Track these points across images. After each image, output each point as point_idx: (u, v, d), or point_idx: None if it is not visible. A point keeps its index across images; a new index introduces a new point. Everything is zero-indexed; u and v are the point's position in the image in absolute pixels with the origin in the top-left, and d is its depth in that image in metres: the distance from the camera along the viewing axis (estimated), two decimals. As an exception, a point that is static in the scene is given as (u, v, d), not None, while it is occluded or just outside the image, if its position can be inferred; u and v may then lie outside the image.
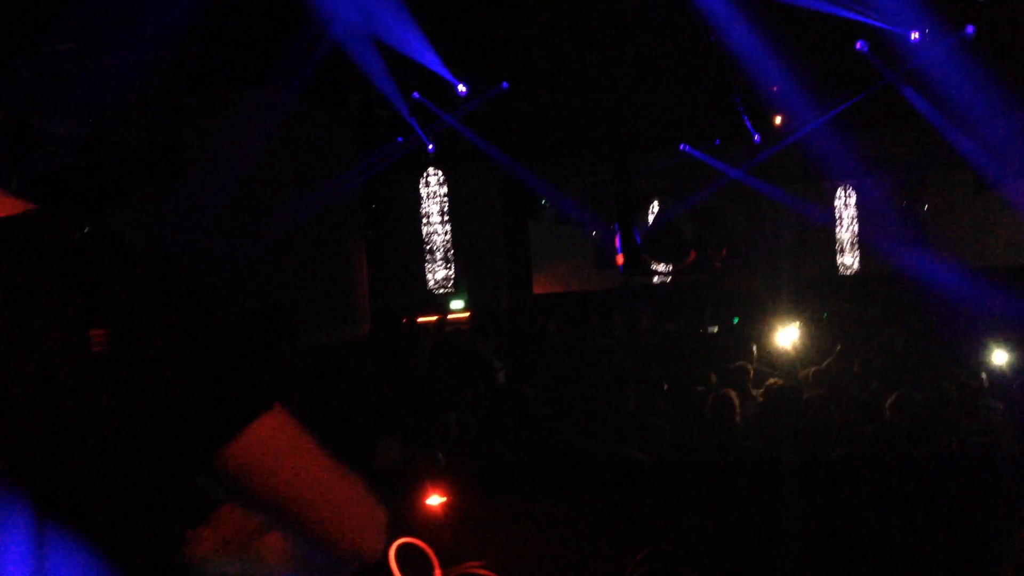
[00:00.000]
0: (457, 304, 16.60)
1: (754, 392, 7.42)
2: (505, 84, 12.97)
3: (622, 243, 18.01)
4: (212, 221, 9.02)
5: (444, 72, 11.65)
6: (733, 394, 6.62)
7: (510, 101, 13.47)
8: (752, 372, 8.11)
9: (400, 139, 14.31)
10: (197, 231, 9.09)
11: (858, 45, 11.71)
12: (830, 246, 18.42)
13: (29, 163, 9.82)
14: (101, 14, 8.87)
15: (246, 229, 8.97)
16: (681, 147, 16.12)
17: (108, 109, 10.72)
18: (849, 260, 18.48)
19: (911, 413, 6.05)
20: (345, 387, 8.80)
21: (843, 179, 17.75)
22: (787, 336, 10.04)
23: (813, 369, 8.50)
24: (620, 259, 18.08)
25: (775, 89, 12.92)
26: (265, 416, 1.23)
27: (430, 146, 14.86)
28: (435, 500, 2.26)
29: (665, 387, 7.53)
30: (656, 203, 19.33)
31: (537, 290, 17.89)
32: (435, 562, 2.24)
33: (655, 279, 18.92)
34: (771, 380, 7.26)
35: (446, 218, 17.34)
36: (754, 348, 9.98)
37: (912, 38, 11.02)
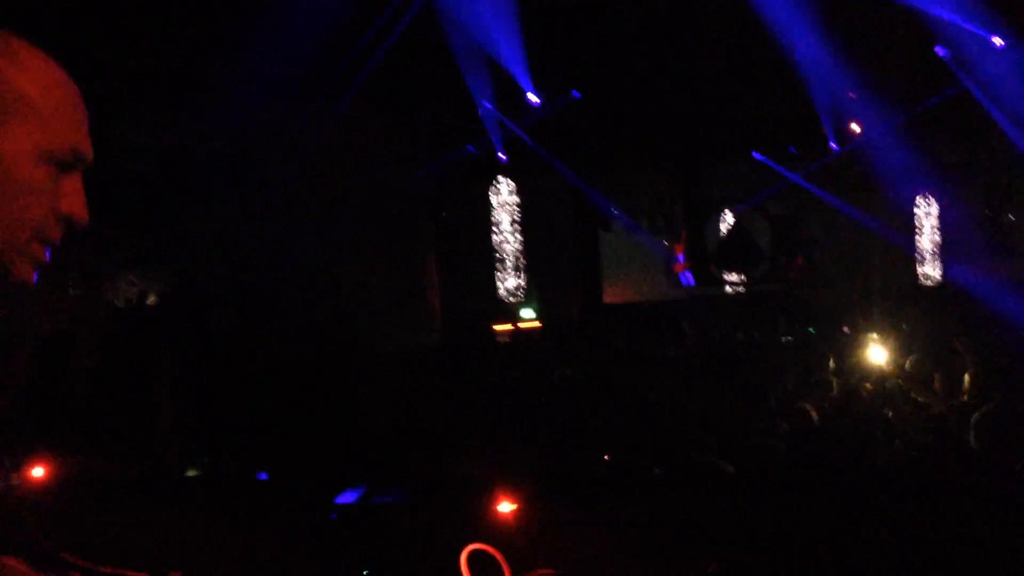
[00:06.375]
0: (528, 313, 16.59)
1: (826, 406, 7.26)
2: (576, 93, 12.82)
3: (688, 252, 17.77)
4: (285, 230, 9.17)
5: (522, 80, 11.54)
6: (809, 407, 6.51)
7: (580, 110, 13.36)
8: (835, 385, 7.97)
9: (471, 148, 14.30)
10: (271, 240, 9.26)
11: (938, 50, 11.37)
12: (910, 255, 17.91)
13: (111, 173, 10.10)
14: (180, 31, 9.12)
15: (317, 238, 9.10)
16: (754, 155, 15.87)
17: (190, 121, 11.00)
18: (930, 270, 17.96)
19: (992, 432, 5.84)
20: (417, 398, 8.86)
21: (922, 188, 17.28)
22: (874, 351, 9.80)
23: (888, 381, 8.30)
24: (678, 268, 17.88)
25: (853, 96, 12.64)
26: None
27: (501, 155, 14.86)
28: (506, 507, 2.25)
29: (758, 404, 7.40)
30: (729, 213, 18.82)
31: (607, 300, 17.79)
32: (506, 569, 2.22)
33: (727, 288, 18.60)
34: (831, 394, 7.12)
35: (517, 227, 17.35)
36: (831, 360, 9.77)
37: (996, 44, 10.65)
